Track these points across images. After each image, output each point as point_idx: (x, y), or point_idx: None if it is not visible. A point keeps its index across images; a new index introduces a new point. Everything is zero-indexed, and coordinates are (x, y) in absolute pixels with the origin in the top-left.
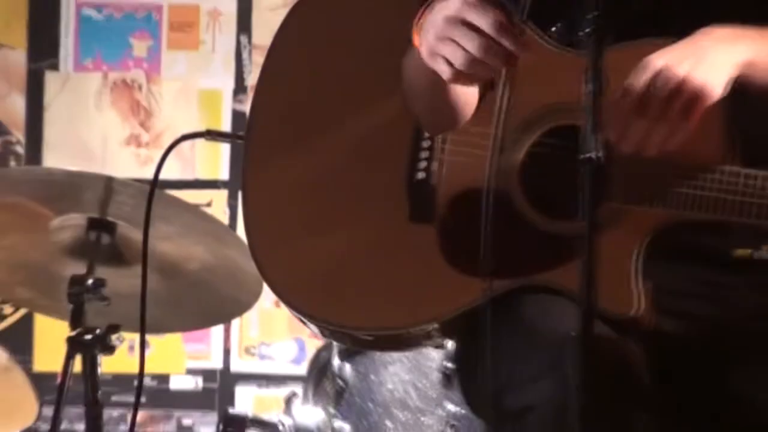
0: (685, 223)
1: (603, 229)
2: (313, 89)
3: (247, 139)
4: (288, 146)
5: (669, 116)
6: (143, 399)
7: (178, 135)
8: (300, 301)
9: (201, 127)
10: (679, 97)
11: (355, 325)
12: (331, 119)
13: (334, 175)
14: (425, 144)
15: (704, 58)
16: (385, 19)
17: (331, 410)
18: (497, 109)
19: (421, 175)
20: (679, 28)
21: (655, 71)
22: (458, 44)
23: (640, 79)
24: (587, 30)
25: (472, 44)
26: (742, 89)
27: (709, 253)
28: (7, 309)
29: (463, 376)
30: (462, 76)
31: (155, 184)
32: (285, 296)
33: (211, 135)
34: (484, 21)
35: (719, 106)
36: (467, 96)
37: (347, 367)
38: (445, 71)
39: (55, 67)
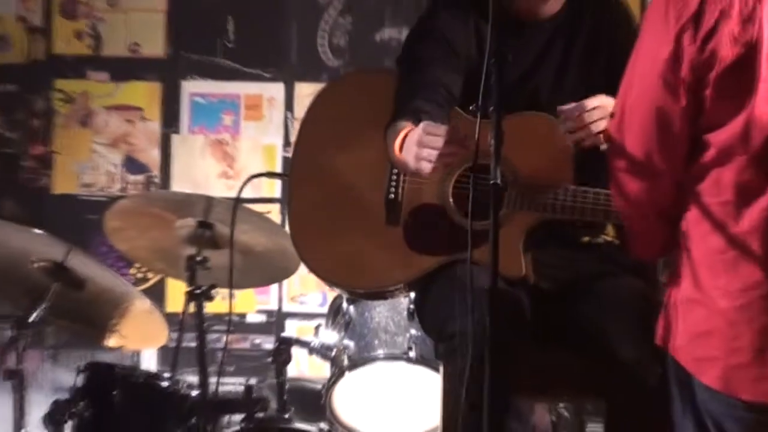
0: (550, 220)
1: (502, 225)
2: (329, 144)
3: (290, 174)
4: (314, 178)
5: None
6: (231, 328)
7: (251, 173)
8: (323, 273)
9: (264, 168)
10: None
11: (355, 286)
12: (340, 161)
13: (342, 196)
14: (394, 177)
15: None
16: (371, 104)
17: (342, 334)
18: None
19: (392, 195)
20: (542, 109)
21: (592, 105)
22: (427, 157)
23: (585, 106)
24: (492, 107)
25: (432, 154)
26: None
27: (566, 239)
28: (150, 275)
29: (420, 313)
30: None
31: (237, 201)
32: (314, 269)
33: (269, 174)
34: (437, 141)
35: (570, 150)
36: None
37: (351, 308)
38: (427, 168)
39: (177, 132)
